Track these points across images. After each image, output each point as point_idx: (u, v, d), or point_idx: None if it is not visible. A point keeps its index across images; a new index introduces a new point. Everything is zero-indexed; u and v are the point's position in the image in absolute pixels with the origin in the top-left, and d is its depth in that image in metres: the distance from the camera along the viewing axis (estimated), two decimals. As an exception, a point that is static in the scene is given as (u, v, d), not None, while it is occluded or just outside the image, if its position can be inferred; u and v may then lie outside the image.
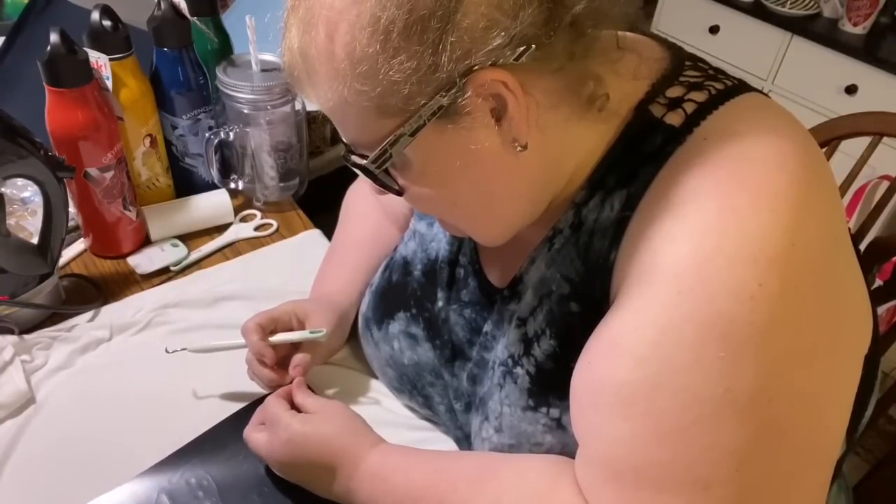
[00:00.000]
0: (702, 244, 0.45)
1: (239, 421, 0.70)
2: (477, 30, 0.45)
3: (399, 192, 0.55)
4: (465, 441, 0.71)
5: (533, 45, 0.45)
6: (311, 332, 0.74)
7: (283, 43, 0.51)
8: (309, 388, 0.72)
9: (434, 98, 0.47)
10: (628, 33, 0.57)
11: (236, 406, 0.77)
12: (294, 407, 0.69)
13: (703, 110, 0.51)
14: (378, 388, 0.81)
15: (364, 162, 0.52)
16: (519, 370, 0.59)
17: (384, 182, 0.54)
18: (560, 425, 0.57)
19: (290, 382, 0.72)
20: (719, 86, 0.53)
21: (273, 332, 0.74)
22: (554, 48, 0.47)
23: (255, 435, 0.67)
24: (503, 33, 0.45)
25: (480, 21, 0.45)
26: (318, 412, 0.67)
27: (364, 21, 0.45)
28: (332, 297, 0.81)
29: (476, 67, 0.46)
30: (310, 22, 0.48)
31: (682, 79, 0.54)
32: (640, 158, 0.52)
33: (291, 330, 0.75)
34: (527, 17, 0.45)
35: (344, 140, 0.55)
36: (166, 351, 0.77)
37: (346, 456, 0.63)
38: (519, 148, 0.50)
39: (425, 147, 0.50)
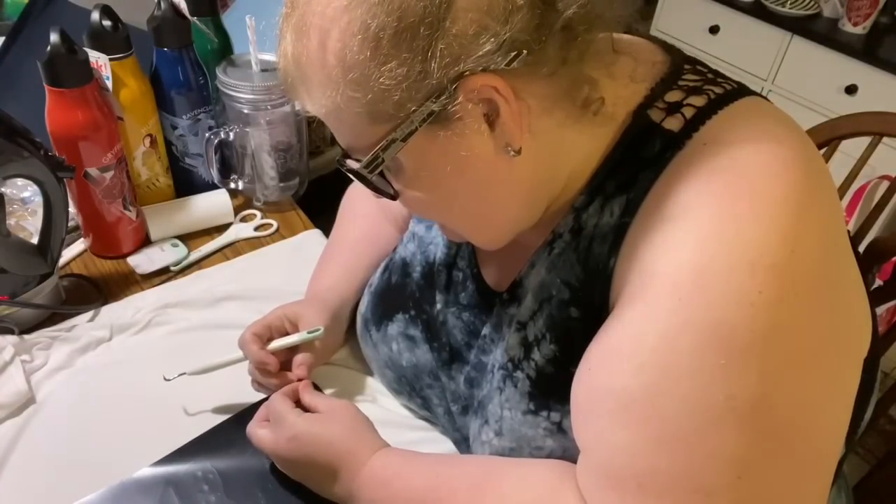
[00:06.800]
0: (701, 251, 0.45)
1: (247, 418, 0.70)
2: (466, 36, 0.45)
3: (393, 197, 0.55)
4: (463, 443, 0.71)
5: (524, 51, 0.45)
6: (309, 333, 0.74)
7: (279, 50, 0.52)
8: (315, 386, 0.72)
9: (424, 104, 0.47)
10: (624, 35, 0.56)
11: (236, 407, 0.77)
12: (299, 406, 0.69)
13: (702, 115, 0.51)
14: (377, 388, 0.81)
15: (357, 166, 0.52)
16: (519, 374, 0.59)
17: (378, 186, 0.55)
18: (560, 429, 0.57)
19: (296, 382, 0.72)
20: (718, 90, 0.53)
21: (270, 340, 0.74)
22: (546, 53, 0.47)
23: (258, 431, 0.67)
24: (493, 39, 0.45)
25: (470, 27, 0.45)
26: (325, 412, 0.67)
27: (355, 28, 0.45)
28: (323, 296, 0.81)
29: (466, 73, 0.46)
30: (302, 29, 0.48)
31: (680, 82, 0.54)
32: (639, 164, 0.52)
33: (286, 335, 0.75)
34: (517, 22, 0.44)
35: (340, 145, 0.55)
36: (165, 378, 0.75)
37: (348, 459, 0.63)
38: (512, 153, 0.50)
39: (418, 152, 0.50)
